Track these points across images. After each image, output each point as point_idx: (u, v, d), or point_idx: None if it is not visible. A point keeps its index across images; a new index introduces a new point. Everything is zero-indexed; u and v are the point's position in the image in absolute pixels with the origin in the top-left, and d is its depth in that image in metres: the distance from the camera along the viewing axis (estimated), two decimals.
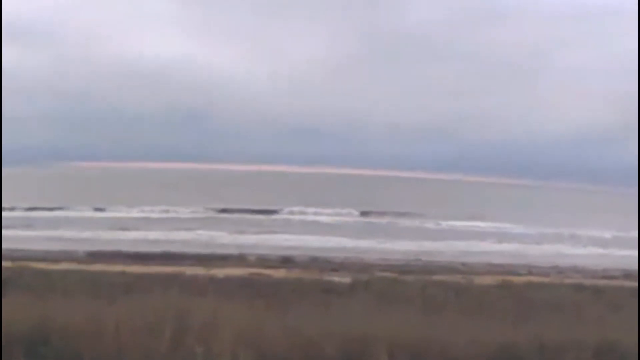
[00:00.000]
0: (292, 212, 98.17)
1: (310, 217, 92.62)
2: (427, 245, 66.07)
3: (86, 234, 67.21)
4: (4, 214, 68.37)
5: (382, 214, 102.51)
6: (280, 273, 39.51)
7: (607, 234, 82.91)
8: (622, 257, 61.30)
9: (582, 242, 75.12)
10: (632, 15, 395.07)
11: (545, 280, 40.93)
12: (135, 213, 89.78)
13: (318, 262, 49.97)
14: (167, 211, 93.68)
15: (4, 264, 28.56)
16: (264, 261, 49.59)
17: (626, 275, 46.16)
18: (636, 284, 35.06)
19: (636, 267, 45.74)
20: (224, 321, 12.61)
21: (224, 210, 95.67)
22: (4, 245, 41.88)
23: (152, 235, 67.76)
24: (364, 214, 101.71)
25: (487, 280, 37.65)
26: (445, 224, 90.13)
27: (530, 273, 47.27)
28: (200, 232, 71.18)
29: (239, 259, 50.09)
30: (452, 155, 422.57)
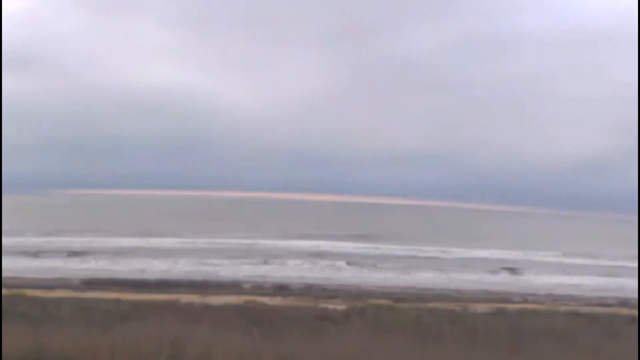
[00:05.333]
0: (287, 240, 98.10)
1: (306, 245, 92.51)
2: (422, 273, 66.05)
3: (81, 261, 67.09)
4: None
5: (380, 240, 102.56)
6: (275, 300, 39.42)
7: (603, 262, 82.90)
8: (618, 284, 61.34)
9: (578, 269, 75.08)
10: (629, 42, 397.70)
11: (540, 307, 40.89)
12: (130, 240, 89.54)
13: (313, 290, 49.95)
14: (167, 238, 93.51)
15: None
16: (259, 289, 49.54)
17: (622, 302, 46.16)
18: (632, 311, 35.04)
19: (631, 295, 45.77)
20: (219, 349, 12.64)
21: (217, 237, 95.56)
22: None
23: (148, 263, 67.66)
24: (363, 240, 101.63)
25: (482, 307, 37.58)
26: (439, 250, 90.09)
27: (525, 300, 47.28)
28: (196, 260, 71.07)
29: (234, 287, 50.06)
30: (451, 183, 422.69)
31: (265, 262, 70.99)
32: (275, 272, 62.46)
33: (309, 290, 49.34)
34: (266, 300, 38.86)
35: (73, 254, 72.90)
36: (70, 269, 59.57)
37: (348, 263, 72.83)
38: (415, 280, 60.26)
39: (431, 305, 38.67)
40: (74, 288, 45.30)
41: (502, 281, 62.17)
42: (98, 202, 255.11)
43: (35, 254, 71.05)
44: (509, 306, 40.21)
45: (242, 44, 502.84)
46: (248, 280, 54.91)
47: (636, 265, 68.65)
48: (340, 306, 35.20)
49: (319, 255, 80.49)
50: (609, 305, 45.61)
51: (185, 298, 37.08)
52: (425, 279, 61.78)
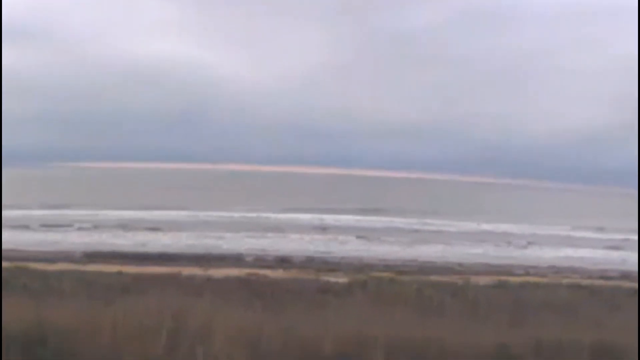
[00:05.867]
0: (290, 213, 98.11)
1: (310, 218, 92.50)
2: (424, 246, 66.08)
3: (83, 234, 67.16)
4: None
5: (382, 213, 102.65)
6: (277, 273, 39.48)
7: (605, 235, 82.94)
8: (620, 257, 61.34)
9: (580, 242, 75.08)
10: (630, 15, 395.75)
11: (542, 280, 40.94)
12: (132, 214, 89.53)
13: (315, 263, 49.97)
14: (169, 211, 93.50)
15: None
16: (261, 261, 49.59)
17: (623, 275, 46.22)
18: (633, 284, 35.07)
19: (633, 268, 45.77)
20: (221, 322, 12.59)
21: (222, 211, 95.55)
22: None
23: (150, 235, 67.73)
24: (365, 213, 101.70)
25: (484, 280, 37.63)
26: (441, 223, 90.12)
27: (527, 273, 47.31)
28: (198, 232, 71.12)
29: (236, 259, 50.07)
30: (453, 156, 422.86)
31: (267, 235, 71.01)
32: (278, 245, 62.44)
33: (311, 263, 49.37)
34: (268, 273, 38.91)
35: (75, 226, 72.95)
36: (72, 241, 59.60)
37: (350, 236, 72.87)
38: (417, 253, 60.28)
39: (433, 278, 38.69)
40: (76, 261, 45.34)
41: (504, 254, 62.18)
42: (100, 174, 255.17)
43: (37, 227, 71.08)
44: (511, 279, 40.26)
45: (244, 17, 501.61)
46: (250, 253, 54.94)
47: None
48: (342, 279, 35.27)
49: (321, 228, 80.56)
50: (610, 278, 45.63)
51: (187, 271, 37.08)
52: (427, 252, 61.79)
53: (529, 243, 72.46)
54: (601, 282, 41.06)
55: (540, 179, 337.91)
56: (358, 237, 72.89)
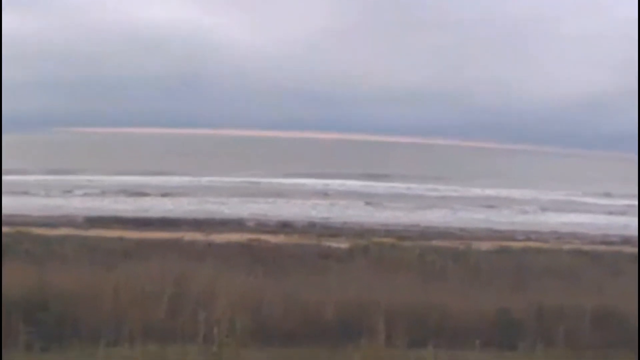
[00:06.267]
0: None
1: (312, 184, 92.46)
2: (426, 211, 66.11)
3: (85, 199, 67.21)
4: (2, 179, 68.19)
5: (384, 179, 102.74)
6: (279, 238, 39.52)
7: (606, 200, 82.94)
8: (622, 223, 61.33)
9: (582, 207, 75.08)
10: None
11: (544, 245, 40.95)
12: (134, 179, 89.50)
13: (316, 228, 49.99)
14: (170, 176, 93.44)
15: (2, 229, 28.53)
16: (262, 227, 49.60)
17: (625, 241, 46.21)
18: (635, 249, 35.09)
19: (635, 233, 45.75)
20: (223, 287, 12.61)
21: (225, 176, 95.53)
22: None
23: (152, 201, 67.77)
24: (367, 179, 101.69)
25: (486, 245, 37.65)
26: (444, 188, 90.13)
27: (528, 239, 47.31)
28: (200, 198, 71.15)
29: (238, 225, 50.07)
30: (455, 121, 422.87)
31: (269, 201, 71.02)
32: (279, 210, 62.42)
33: (313, 228, 49.37)
34: (270, 238, 38.95)
35: (77, 192, 72.96)
36: (74, 207, 59.57)
37: (352, 201, 72.85)
38: (419, 218, 60.24)
39: (435, 243, 38.76)
40: (78, 226, 45.37)
41: (506, 220, 62.15)
42: (102, 140, 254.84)
43: (39, 192, 71.09)
44: (513, 244, 40.29)
45: None
46: (252, 218, 54.92)
47: None
48: (343, 244, 35.29)
49: (322, 193, 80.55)
50: (612, 243, 45.66)
51: (188, 236, 37.15)
52: (429, 217, 61.78)
53: (531, 208, 72.42)
54: (603, 247, 41.10)
55: (542, 144, 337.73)
56: (360, 202, 72.90)
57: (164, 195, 73.02)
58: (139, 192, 74.44)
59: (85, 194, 71.57)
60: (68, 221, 48.44)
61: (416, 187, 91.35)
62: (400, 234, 45.61)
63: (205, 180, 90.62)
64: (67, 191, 73.16)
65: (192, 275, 13.59)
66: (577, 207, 74.73)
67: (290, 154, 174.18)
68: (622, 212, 70.77)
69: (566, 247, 39.98)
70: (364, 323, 10.46)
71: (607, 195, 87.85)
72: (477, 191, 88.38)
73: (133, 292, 12.10)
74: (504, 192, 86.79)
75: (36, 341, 8.74)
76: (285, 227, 50.02)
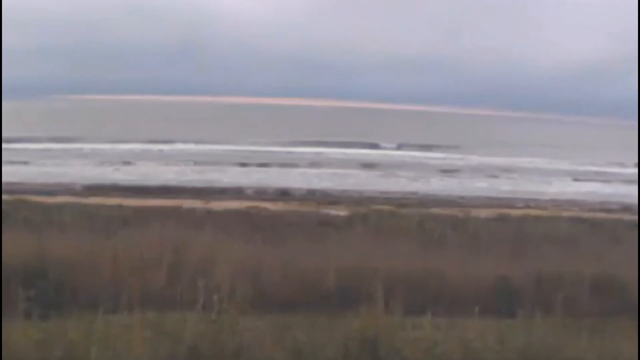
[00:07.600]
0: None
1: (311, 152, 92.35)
2: (425, 179, 66.10)
3: (84, 167, 67.13)
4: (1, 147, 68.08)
5: (383, 146, 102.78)
6: (277, 206, 39.52)
7: (606, 168, 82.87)
8: (622, 191, 61.32)
9: (581, 175, 75.06)
10: None
11: (543, 213, 40.98)
12: (133, 147, 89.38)
13: (315, 195, 50.01)
14: (170, 144, 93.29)
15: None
16: (261, 194, 49.62)
17: (625, 208, 46.25)
18: (634, 217, 35.14)
19: (635, 201, 45.76)
20: (222, 254, 12.61)
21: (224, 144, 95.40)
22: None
23: (151, 168, 67.69)
24: (366, 146, 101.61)
25: (485, 213, 37.67)
26: (442, 156, 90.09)
27: (528, 206, 47.33)
28: (199, 166, 71.10)
29: (237, 192, 50.08)
30: (453, 88, 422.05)
31: (268, 168, 70.98)
32: (278, 178, 62.38)
33: (312, 196, 49.40)
34: (268, 205, 38.95)
35: (76, 159, 72.88)
36: (73, 174, 59.50)
37: (351, 169, 72.86)
38: (418, 186, 60.26)
39: (434, 211, 38.77)
40: (77, 194, 45.36)
41: (505, 187, 62.12)
42: (101, 107, 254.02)
43: (38, 159, 70.99)
44: (512, 212, 40.29)
45: None
46: (250, 186, 54.89)
47: None
48: (342, 212, 35.33)
49: (321, 161, 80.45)
50: (612, 211, 45.68)
51: (187, 204, 37.15)
52: (428, 185, 61.79)
53: (530, 176, 72.35)
54: (602, 215, 41.13)
55: (540, 111, 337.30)
56: (359, 170, 72.90)
57: (163, 162, 72.93)
58: (137, 160, 74.38)
59: (84, 162, 71.46)
60: (67, 189, 48.42)
61: (414, 155, 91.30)
62: (400, 202, 45.63)
63: (204, 147, 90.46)
64: (66, 158, 73.09)
65: (191, 243, 13.59)
66: (577, 175, 74.66)
67: (289, 121, 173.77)
68: (621, 179, 70.80)
69: (565, 214, 40.02)
70: (363, 290, 10.44)
71: (608, 163, 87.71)
72: (475, 158, 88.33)
73: (132, 260, 12.11)
74: (502, 160, 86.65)
75: (35, 309, 8.71)
76: (284, 194, 50.04)
